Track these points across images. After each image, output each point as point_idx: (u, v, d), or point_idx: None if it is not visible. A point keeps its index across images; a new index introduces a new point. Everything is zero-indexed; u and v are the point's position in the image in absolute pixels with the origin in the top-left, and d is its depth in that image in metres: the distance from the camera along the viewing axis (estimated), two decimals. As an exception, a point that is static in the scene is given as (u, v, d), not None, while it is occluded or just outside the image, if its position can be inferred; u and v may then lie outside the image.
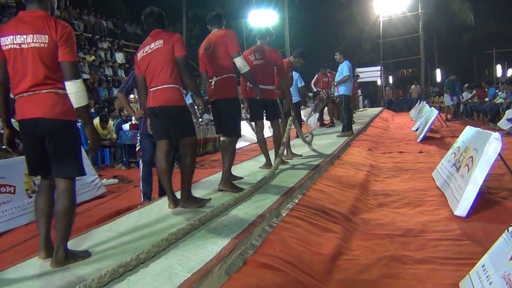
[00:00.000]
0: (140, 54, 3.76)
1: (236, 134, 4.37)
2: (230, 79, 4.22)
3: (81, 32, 18.97)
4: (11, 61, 2.61)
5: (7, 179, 4.94)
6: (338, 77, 8.89)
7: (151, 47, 3.67)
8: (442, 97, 20.73)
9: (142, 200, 4.88)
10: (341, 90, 8.84)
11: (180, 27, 29.44)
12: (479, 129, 4.58)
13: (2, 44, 2.61)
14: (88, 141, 2.82)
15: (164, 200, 4.09)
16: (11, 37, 2.57)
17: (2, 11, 15.73)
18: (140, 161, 4.93)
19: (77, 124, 2.83)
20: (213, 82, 4.22)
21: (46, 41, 2.56)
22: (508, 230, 2.43)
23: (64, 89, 2.61)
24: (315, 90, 12.60)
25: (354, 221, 3.90)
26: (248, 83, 5.07)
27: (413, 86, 24.59)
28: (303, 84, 9.14)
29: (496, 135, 3.73)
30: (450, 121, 13.52)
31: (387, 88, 28.10)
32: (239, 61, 4.16)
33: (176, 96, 3.64)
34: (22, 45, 2.56)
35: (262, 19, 25.71)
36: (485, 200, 4.15)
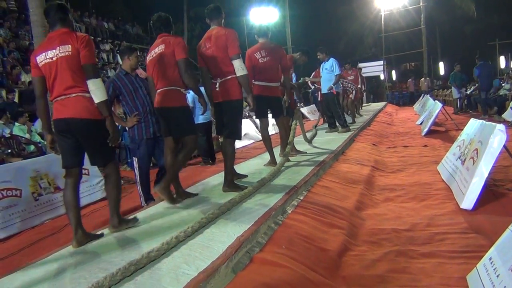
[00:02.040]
0: (148, 58, 4.03)
1: (236, 136, 4.40)
2: (234, 81, 4.22)
3: (83, 35, 18.97)
4: (47, 74, 3.10)
5: (13, 182, 4.97)
6: (326, 75, 8.90)
7: (155, 51, 3.94)
8: (445, 90, 20.68)
9: (143, 204, 4.75)
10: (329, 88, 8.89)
11: (181, 26, 29.47)
12: (483, 121, 4.55)
13: (38, 62, 3.11)
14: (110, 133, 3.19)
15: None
16: (44, 54, 3.09)
17: (4, 15, 15.78)
18: (136, 167, 4.73)
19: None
20: (217, 84, 4.23)
21: (70, 50, 3.03)
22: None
23: (89, 92, 3.06)
24: (312, 87, 12.56)
25: (360, 216, 3.90)
26: (253, 80, 5.18)
27: (422, 79, 23.42)
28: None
29: (500, 127, 3.71)
30: (457, 115, 13.39)
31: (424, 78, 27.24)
32: (237, 64, 4.15)
33: (177, 97, 3.93)
34: (53, 58, 3.05)
35: (263, 17, 25.73)
36: (491, 192, 4.13)
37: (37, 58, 3.12)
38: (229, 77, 4.23)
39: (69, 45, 3.03)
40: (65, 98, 3.07)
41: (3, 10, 16.05)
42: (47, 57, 3.07)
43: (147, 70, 4.12)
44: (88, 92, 3.06)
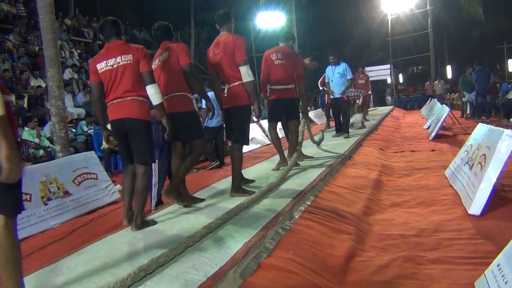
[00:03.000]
0: (153, 66, 4.05)
1: (245, 141, 4.43)
2: (241, 86, 4.26)
3: (92, 40, 19.16)
4: (106, 80, 3.52)
5: (23, 186, 4.99)
6: (339, 79, 8.87)
7: (159, 59, 4.03)
8: (453, 94, 20.55)
9: (153, 208, 4.72)
10: (341, 92, 8.92)
11: (188, 31, 29.64)
12: (491, 126, 4.54)
13: (98, 69, 3.53)
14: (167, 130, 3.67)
15: (177, 206, 4.23)
16: (104, 62, 3.51)
17: (14, 21, 15.96)
18: (156, 169, 4.71)
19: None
20: (225, 89, 4.27)
21: (131, 58, 3.48)
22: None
23: (143, 96, 3.51)
24: (321, 89, 12.57)
25: (367, 221, 3.90)
26: (269, 85, 5.40)
27: (436, 82, 21.61)
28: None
29: (508, 132, 3.70)
30: (469, 119, 13.18)
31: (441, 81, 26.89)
32: (244, 70, 4.20)
33: (185, 102, 4.02)
34: (114, 65, 3.47)
35: (270, 21, 25.78)
36: (499, 198, 4.11)
37: (97, 65, 3.55)
38: (236, 83, 4.26)
39: (130, 55, 3.48)
40: (122, 100, 3.49)
41: (13, 16, 16.23)
42: (108, 64, 3.49)
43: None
44: (142, 96, 3.52)
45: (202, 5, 30.07)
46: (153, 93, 3.49)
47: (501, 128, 4.04)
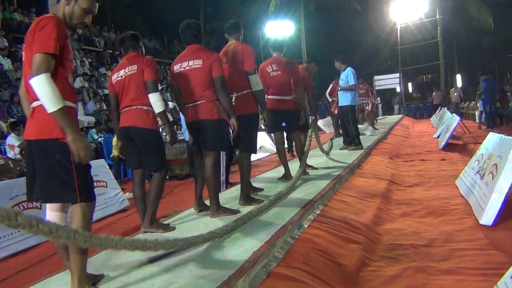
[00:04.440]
0: (177, 68, 3.95)
1: (252, 150, 4.42)
2: (249, 95, 4.26)
3: (102, 49, 19.37)
4: (118, 90, 3.66)
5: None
6: (342, 85, 8.43)
7: (189, 64, 3.86)
8: (463, 103, 20.40)
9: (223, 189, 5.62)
10: (346, 101, 8.31)
11: (198, 40, 29.83)
12: (502, 135, 4.50)
13: (112, 81, 3.71)
14: (168, 137, 3.79)
15: (186, 213, 4.26)
16: (116, 73, 3.68)
17: (27, 30, 16.14)
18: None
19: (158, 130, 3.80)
20: (233, 98, 4.25)
21: (136, 69, 3.57)
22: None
23: (148, 105, 3.54)
24: (330, 100, 12.55)
25: (377, 231, 3.87)
26: (266, 95, 5.21)
27: (452, 90, 20.46)
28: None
29: (520, 141, 3.67)
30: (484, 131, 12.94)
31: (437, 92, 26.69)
32: (253, 79, 4.20)
33: (213, 111, 3.86)
34: (123, 76, 3.61)
35: (278, 30, 25.91)
36: (511, 207, 4.06)
37: (112, 77, 3.74)
38: (244, 91, 4.26)
39: (136, 65, 3.57)
40: (128, 109, 3.60)
41: (26, 25, 16.46)
42: (119, 76, 3.64)
43: (172, 78, 4.09)
44: (146, 105, 3.55)
45: (212, 15, 30.39)
46: (155, 101, 3.51)
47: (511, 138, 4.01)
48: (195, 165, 4.29)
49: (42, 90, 2.15)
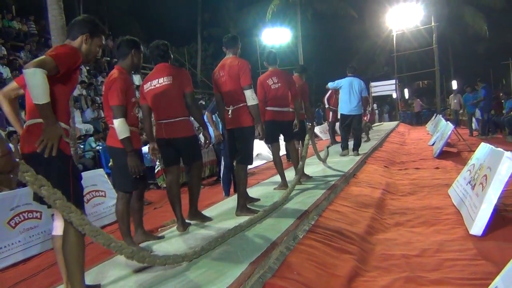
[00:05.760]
0: (147, 87, 4.03)
1: (248, 162, 4.55)
2: (245, 109, 4.38)
3: (100, 56, 19.42)
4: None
5: (34, 205, 5.12)
6: (351, 93, 8.62)
7: (159, 82, 3.95)
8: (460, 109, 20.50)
9: (224, 195, 6.25)
10: (359, 110, 8.72)
11: (195, 46, 30.07)
12: (492, 147, 4.61)
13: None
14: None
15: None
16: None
17: (25, 38, 16.29)
18: (222, 165, 6.27)
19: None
20: (230, 111, 4.38)
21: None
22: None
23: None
24: (327, 106, 12.66)
25: (370, 241, 3.96)
26: (266, 107, 5.39)
27: (451, 96, 19.36)
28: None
29: (508, 154, 3.77)
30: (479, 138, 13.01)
31: (417, 100, 27.29)
32: (249, 93, 4.31)
33: (189, 127, 4.06)
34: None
35: (275, 37, 26.05)
36: (501, 217, 4.16)
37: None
38: (240, 105, 4.38)
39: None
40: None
41: (24, 34, 16.59)
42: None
43: (142, 99, 4.12)
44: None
45: (209, 21, 30.56)
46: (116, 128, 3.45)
47: (501, 150, 4.10)
48: (169, 183, 4.19)
49: (37, 82, 2.30)
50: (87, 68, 17.36)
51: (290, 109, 5.73)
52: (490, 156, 4.41)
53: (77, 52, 2.59)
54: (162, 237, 3.94)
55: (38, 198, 2.50)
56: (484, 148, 4.99)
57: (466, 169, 5.32)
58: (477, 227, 3.75)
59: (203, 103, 19.83)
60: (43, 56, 2.40)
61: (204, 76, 28.31)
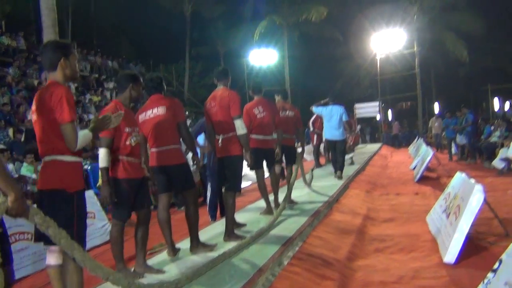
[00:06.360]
0: (142, 117, 4.23)
1: (236, 188, 4.79)
2: (235, 138, 4.63)
3: (88, 73, 19.56)
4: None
5: (25, 226, 5.23)
6: (331, 120, 9.22)
7: (153, 112, 4.16)
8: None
9: (210, 220, 6.27)
10: (343, 135, 9.26)
11: (183, 64, 30.32)
12: (465, 177, 4.89)
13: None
14: None
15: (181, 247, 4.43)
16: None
17: (13, 54, 16.38)
18: (209, 189, 6.42)
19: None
20: (220, 139, 4.62)
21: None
22: (483, 281, 2.73)
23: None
24: (311, 130, 12.98)
25: (351, 267, 4.17)
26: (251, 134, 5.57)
27: (433, 119, 19.21)
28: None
29: (479, 187, 4.05)
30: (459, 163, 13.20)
31: (395, 122, 28.04)
32: (238, 123, 4.57)
33: (180, 154, 4.25)
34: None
35: (262, 58, 26.50)
36: (473, 245, 4.42)
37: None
38: (230, 134, 4.63)
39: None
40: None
41: (13, 49, 16.67)
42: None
43: (140, 129, 4.21)
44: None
45: (198, 40, 30.90)
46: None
47: (473, 181, 4.39)
48: (159, 210, 4.32)
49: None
50: (75, 85, 17.44)
51: (273, 137, 6.00)
52: (463, 187, 4.69)
53: (69, 93, 2.75)
54: (162, 272, 3.87)
55: (38, 238, 2.67)
56: (459, 178, 5.28)
57: (442, 197, 5.60)
58: (450, 255, 3.99)
59: (190, 121, 19.99)
60: (67, 124, 2.62)
61: (191, 94, 28.56)
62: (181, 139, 4.31)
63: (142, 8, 29.50)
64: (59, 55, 2.78)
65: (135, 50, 30.39)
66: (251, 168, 5.65)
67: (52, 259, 2.87)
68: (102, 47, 24.64)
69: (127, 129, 3.69)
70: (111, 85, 19.94)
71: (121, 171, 3.65)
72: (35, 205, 2.60)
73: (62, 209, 2.62)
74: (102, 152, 3.56)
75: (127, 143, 3.70)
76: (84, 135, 2.73)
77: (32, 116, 2.80)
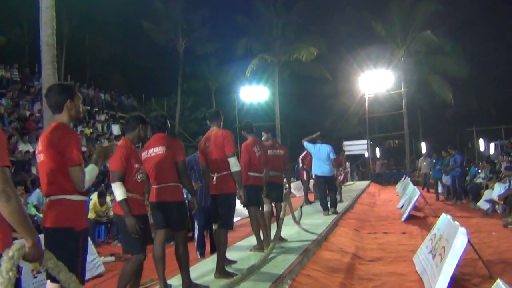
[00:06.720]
0: (144, 154, 4.37)
1: (229, 226, 4.91)
2: (229, 176, 4.78)
3: (80, 105, 19.65)
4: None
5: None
6: (320, 158, 9.64)
7: (154, 151, 4.30)
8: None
9: (199, 257, 6.43)
10: (331, 171, 9.63)
11: (175, 98, 30.63)
12: (450, 219, 5.05)
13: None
14: None
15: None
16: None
17: (7, 85, 16.52)
18: (196, 227, 6.65)
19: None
20: (214, 177, 4.77)
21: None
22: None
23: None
24: (300, 166, 13.18)
25: (339, 307, 4.26)
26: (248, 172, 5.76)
27: (421, 159, 19.54)
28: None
29: (462, 230, 4.20)
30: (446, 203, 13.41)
31: (378, 162, 28.61)
32: (232, 161, 4.74)
33: (178, 192, 4.33)
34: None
35: (253, 95, 26.98)
36: (458, 286, 4.55)
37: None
38: (224, 172, 4.77)
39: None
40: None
41: (7, 80, 16.82)
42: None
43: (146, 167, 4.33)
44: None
45: (190, 74, 31.35)
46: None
47: (457, 224, 4.55)
48: (155, 245, 4.34)
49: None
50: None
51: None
52: (448, 228, 4.84)
53: (77, 137, 2.93)
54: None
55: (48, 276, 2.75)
56: (444, 219, 5.43)
57: (428, 238, 5.73)
58: (436, 296, 4.10)
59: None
60: (76, 167, 2.77)
61: (182, 128, 28.77)
62: None
63: (136, 43, 30.04)
64: (64, 98, 2.92)
65: (127, 84, 30.69)
66: (245, 205, 5.76)
67: None
68: (95, 80, 24.89)
69: (136, 165, 3.90)
70: (102, 117, 20.09)
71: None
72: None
73: (69, 247, 2.71)
74: (118, 186, 3.70)
75: (134, 178, 3.87)
76: (90, 171, 2.86)
77: (38, 156, 2.90)
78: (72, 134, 2.86)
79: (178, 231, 4.34)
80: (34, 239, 2.18)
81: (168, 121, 4.59)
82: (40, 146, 2.87)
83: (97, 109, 20.68)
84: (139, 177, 3.89)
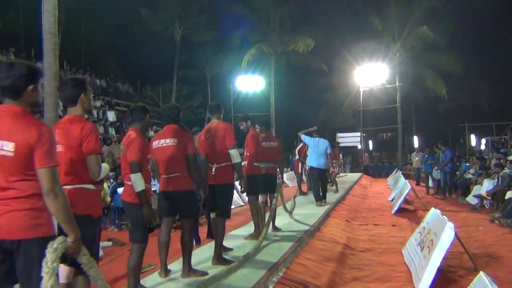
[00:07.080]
0: (155, 144, 4.51)
1: (227, 215, 5.09)
2: (228, 167, 4.97)
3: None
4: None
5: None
6: (317, 151, 9.99)
7: (166, 142, 4.44)
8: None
9: (195, 244, 6.06)
10: (326, 164, 10.12)
11: (171, 86, 30.57)
12: (439, 214, 5.27)
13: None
14: None
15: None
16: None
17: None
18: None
19: None
20: (214, 168, 4.94)
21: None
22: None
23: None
24: (296, 157, 13.38)
25: (330, 295, 4.47)
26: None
27: (413, 154, 19.25)
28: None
29: (450, 225, 4.42)
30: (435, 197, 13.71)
31: (366, 154, 29.03)
32: (233, 152, 4.94)
33: (188, 182, 4.47)
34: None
35: (249, 84, 27.04)
36: (444, 278, 4.78)
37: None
38: (224, 164, 4.95)
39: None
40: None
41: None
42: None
43: (152, 154, 4.45)
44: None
45: (185, 63, 31.26)
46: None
47: (445, 219, 4.76)
48: (161, 232, 4.54)
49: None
50: (62, 103, 17.53)
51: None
52: (436, 223, 5.06)
53: (97, 128, 3.09)
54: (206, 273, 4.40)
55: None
56: (433, 213, 5.66)
57: (417, 230, 5.96)
58: (423, 286, 4.31)
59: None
60: (94, 155, 2.92)
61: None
62: None
63: (132, 30, 29.90)
64: (78, 91, 3.06)
65: (123, 70, 30.59)
66: (247, 194, 6.01)
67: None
68: (90, 66, 24.75)
69: (148, 156, 4.12)
70: (98, 103, 20.05)
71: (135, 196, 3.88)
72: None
73: (88, 233, 2.85)
74: (139, 177, 3.78)
75: (147, 168, 4.05)
76: (105, 167, 3.04)
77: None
78: (93, 125, 3.04)
79: (186, 219, 4.51)
80: (76, 235, 2.38)
81: (181, 113, 4.73)
82: (57, 137, 3.01)
83: (92, 95, 20.62)
84: (149, 167, 4.09)
